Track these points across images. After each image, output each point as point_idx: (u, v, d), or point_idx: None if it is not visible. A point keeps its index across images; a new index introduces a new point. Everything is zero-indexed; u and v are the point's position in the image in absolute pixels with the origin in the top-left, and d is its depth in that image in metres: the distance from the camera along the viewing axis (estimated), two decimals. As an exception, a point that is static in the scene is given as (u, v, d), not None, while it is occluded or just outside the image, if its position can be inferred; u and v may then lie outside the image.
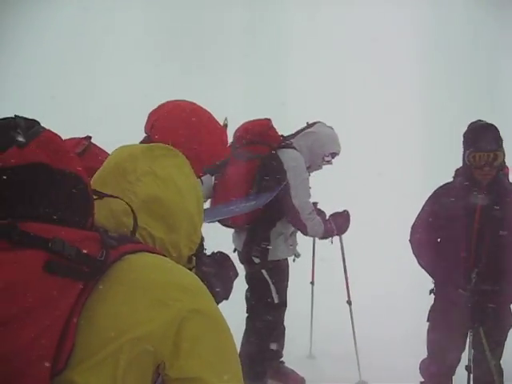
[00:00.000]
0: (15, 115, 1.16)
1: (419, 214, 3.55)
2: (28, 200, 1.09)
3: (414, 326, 4.21)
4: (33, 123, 1.16)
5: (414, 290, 4.39)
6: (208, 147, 2.14)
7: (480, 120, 3.35)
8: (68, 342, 1.04)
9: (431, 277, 3.53)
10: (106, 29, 9.34)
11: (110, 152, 1.52)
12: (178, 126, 2.13)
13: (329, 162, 4.03)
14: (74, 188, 1.16)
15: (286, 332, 4.34)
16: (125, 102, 8.23)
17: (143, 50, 9.32)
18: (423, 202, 3.56)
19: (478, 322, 3.32)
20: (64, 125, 2.01)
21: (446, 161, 3.88)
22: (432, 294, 3.58)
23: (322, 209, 4.13)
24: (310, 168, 3.99)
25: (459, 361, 3.57)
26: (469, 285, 3.31)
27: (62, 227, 1.09)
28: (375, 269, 5.83)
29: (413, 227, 3.56)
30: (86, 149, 2.21)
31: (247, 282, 3.94)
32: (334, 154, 4.03)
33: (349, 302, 4.42)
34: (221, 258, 2.24)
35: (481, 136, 3.20)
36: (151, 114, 2.25)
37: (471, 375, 3.40)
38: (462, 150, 3.31)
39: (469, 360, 3.41)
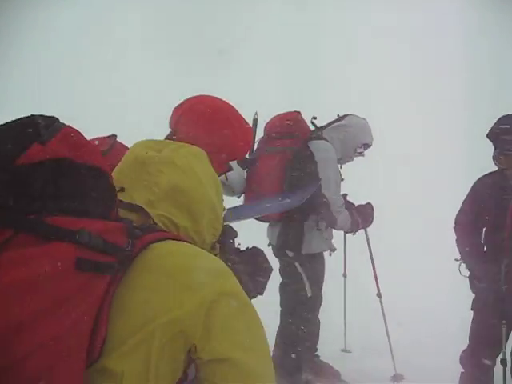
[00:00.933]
0: (32, 114, 1.19)
1: (462, 204, 3.63)
2: (52, 194, 1.11)
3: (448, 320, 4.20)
4: (52, 120, 1.19)
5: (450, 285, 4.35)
6: (229, 143, 2.14)
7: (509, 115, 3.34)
8: (101, 331, 1.06)
9: (469, 268, 3.50)
10: (115, 27, 9.42)
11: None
12: (201, 121, 2.14)
13: (361, 154, 4.00)
14: (96, 180, 1.18)
15: (320, 325, 4.36)
16: (132, 100, 8.30)
17: (153, 47, 9.33)
18: (452, 196, 3.61)
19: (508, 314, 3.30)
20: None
21: (480, 155, 3.87)
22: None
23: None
24: (342, 160, 3.97)
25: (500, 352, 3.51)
26: (499, 275, 3.33)
27: (87, 219, 1.11)
28: (406, 263, 5.79)
29: (456, 216, 3.65)
30: (111, 147, 2.25)
31: (281, 276, 3.94)
32: (366, 146, 4.00)
33: (378, 295, 4.43)
34: (254, 252, 2.25)
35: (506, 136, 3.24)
36: (175, 109, 2.25)
37: (506, 369, 3.36)
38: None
39: (503, 353, 3.36)
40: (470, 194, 3.58)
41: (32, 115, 1.19)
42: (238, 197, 3.93)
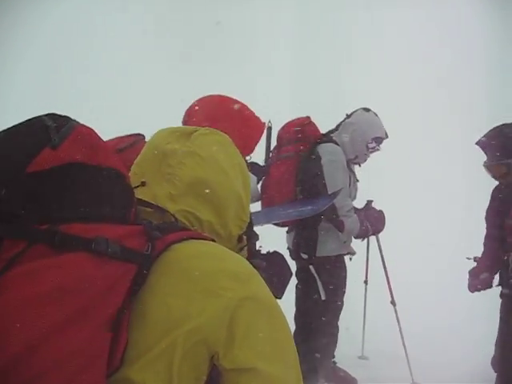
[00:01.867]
0: (42, 115, 1.13)
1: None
2: (66, 201, 1.06)
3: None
4: (65, 120, 1.13)
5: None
6: (240, 138, 2.10)
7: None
8: (122, 338, 1.01)
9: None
10: (114, 26, 9.43)
11: None
12: (216, 113, 2.14)
13: (375, 150, 3.87)
14: (112, 183, 1.13)
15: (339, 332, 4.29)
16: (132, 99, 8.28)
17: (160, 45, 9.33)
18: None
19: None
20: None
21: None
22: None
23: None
24: (358, 158, 3.89)
25: None
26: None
27: (104, 224, 1.06)
28: (419, 268, 5.71)
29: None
30: (133, 143, 2.21)
31: (297, 278, 3.88)
32: (378, 139, 3.86)
33: (393, 303, 4.35)
34: (274, 256, 2.19)
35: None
36: (191, 107, 2.26)
37: None
38: None
39: None
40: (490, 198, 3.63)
41: (41, 116, 1.13)
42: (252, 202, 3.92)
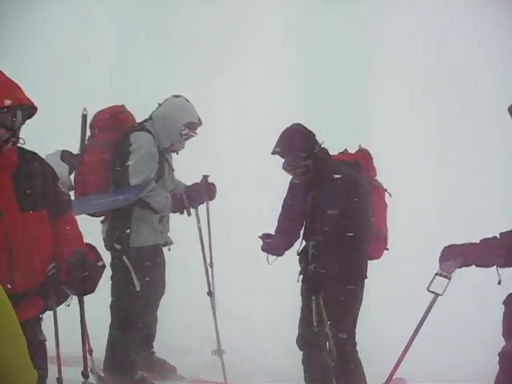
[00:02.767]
0: None
1: None
2: None
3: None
4: None
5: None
6: None
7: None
8: None
9: None
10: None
11: None
12: None
13: (188, 136, 3.93)
14: None
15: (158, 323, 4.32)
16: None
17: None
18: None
19: None
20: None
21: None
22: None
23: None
24: (174, 146, 3.95)
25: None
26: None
27: None
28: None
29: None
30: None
31: (111, 270, 3.84)
32: (191, 125, 3.92)
33: (209, 294, 4.20)
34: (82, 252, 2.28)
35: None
36: None
37: None
38: None
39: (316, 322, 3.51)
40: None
41: None
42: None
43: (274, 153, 3.53)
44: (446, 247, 2.95)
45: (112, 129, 3.78)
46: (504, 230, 2.87)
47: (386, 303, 4.61)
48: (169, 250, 4.15)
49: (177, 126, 3.85)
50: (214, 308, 4.14)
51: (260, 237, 3.68)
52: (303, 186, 3.62)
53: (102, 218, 3.96)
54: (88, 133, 3.87)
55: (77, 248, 2.41)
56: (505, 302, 2.84)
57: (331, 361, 3.62)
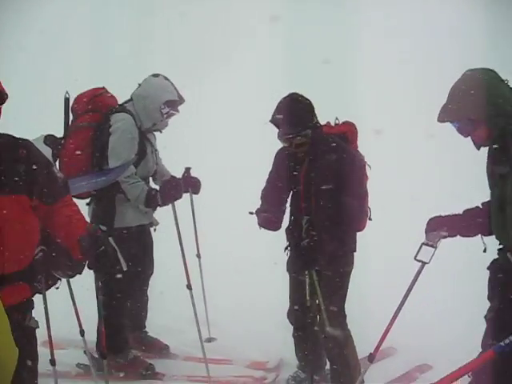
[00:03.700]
0: None
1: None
2: None
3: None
4: None
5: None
6: None
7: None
8: None
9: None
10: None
11: None
12: None
13: (169, 114, 3.91)
14: None
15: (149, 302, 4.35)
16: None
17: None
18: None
19: None
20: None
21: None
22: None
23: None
24: (156, 126, 3.94)
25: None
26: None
27: None
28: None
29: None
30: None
31: None
32: (171, 103, 3.89)
33: (189, 287, 4.11)
34: None
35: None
36: None
37: None
38: None
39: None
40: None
41: None
42: None
43: (272, 120, 3.45)
44: (431, 218, 2.99)
45: (92, 111, 3.76)
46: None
47: (373, 275, 4.67)
48: (154, 230, 4.15)
49: (157, 104, 3.83)
50: (193, 302, 4.10)
51: (254, 212, 3.61)
52: (293, 158, 3.56)
53: (87, 200, 3.95)
54: (71, 116, 3.86)
55: (85, 226, 2.49)
56: (489, 268, 2.90)
57: (322, 333, 3.67)
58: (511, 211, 2.64)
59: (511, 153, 2.63)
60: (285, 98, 3.50)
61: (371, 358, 3.17)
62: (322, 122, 3.60)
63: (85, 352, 3.70)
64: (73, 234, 2.45)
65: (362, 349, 3.56)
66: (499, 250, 2.82)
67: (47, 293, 2.70)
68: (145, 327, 4.41)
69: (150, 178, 4.07)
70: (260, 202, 3.69)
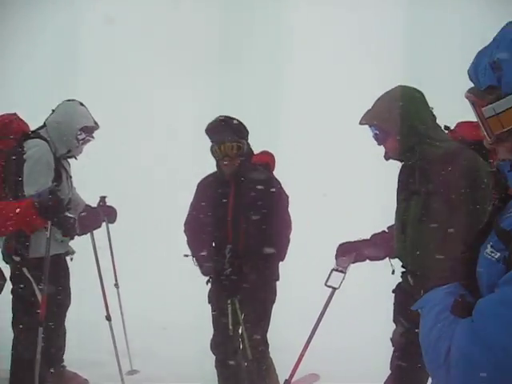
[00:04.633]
0: None
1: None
2: None
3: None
4: None
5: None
6: None
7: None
8: None
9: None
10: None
11: None
12: None
13: (85, 141, 3.84)
14: None
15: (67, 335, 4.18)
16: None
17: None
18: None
19: None
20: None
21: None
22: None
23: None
24: (72, 152, 3.85)
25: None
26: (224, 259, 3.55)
27: None
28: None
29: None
30: None
31: (11, 283, 3.68)
32: (87, 129, 3.81)
33: (108, 318, 4.07)
34: None
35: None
36: None
37: None
38: None
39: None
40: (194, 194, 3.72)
41: None
42: None
43: (209, 130, 3.47)
44: (340, 244, 3.08)
45: (4, 137, 3.63)
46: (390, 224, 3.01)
47: (291, 302, 4.69)
48: (71, 259, 4.03)
49: (72, 131, 3.75)
50: (112, 333, 4.04)
51: (197, 264, 3.59)
52: (219, 185, 3.56)
53: None
54: None
55: None
56: (393, 291, 2.99)
57: (244, 362, 3.65)
58: (411, 232, 2.74)
59: (416, 175, 2.72)
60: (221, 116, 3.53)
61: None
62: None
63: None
64: None
65: (285, 377, 3.55)
66: (402, 272, 2.91)
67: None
68: (63, 361, 4.22)
69: None
70: (186, 236, 3.67)
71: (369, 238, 3.04)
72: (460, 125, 2.86)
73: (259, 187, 3.47)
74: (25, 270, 3.59)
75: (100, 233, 4.07)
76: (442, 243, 2.57)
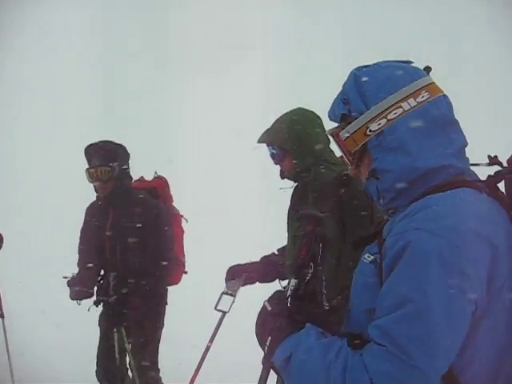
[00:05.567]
0: None
1: None
2: None
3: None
4: None
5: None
6: None
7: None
8: None
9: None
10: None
11: None
12: None
13: None
14: None
15: None
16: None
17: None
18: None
19: None
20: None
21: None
22: None
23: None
24: None
25: None
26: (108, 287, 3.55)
27: None
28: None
29: None
30: None
31: None
32: None
33: (1, 316, 4.17)
34: None
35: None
36: None
37: None
38: None
39: None
40: None
41: None
42: None
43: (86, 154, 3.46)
44: (230, 267, 3.04)
45: None
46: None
47: (186, 326, 4.66)
48: None
49: None
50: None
51: (69, 286, 3.51)
52: (98, 211, 3.55)
53: None
54: None
55: None
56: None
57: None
58: None
59: (309, 196, 2.76)
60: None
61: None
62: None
63: None
64: None
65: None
66: None
67: None
68: None
69: None
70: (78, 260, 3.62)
71: (258, 260, 3.07)
72: None
73: (134, 211, 3.46)
74: None
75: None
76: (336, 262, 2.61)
